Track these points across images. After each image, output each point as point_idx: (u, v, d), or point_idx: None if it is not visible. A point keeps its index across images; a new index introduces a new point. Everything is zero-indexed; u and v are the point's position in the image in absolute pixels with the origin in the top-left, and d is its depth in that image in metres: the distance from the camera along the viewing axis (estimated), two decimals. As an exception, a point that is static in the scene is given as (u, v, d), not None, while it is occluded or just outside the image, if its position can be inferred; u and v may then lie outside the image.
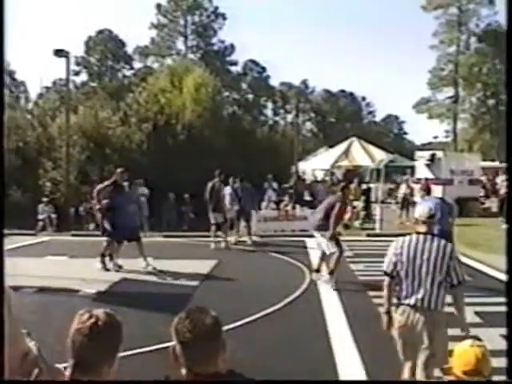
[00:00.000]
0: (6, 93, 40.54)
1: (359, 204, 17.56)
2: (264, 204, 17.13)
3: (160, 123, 19.36)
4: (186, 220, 16.45)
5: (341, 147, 28.26)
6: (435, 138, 50.77)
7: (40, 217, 15.84)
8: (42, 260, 10.75)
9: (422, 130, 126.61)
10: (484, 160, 26.92)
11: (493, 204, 21.13)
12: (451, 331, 3.90)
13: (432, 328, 3.82)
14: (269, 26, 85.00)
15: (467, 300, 4.10)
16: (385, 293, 4.04)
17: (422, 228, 4.00)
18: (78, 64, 50.03)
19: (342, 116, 60.66)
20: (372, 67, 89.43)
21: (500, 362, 2.80)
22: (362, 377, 4.79)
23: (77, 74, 49.77)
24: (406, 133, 67.20)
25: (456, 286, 3.84)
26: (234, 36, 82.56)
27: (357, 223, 16.22)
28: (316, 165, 28.41)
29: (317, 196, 16.59)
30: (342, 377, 4.81)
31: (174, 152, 17.85)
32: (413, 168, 21.34)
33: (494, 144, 42.56)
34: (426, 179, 16.47)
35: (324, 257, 8.70)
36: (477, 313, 6.55)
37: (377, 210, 16.16)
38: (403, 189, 18.41)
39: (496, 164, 28.77)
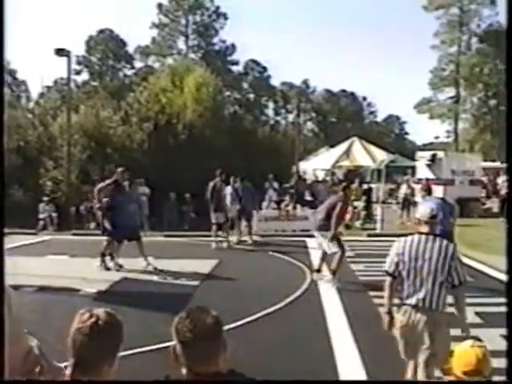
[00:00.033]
0: (7, 92, 40.56)
1: (360, 204, 17.54)
2: (265, 204, 17.12)
3: (161, 123, 19.38)
4: (186, 219, 16.46)
5: (342, 147, 28.17)
6: (436, 138, 50.93)
7: (41, 216, 15.86)
8: (43, 259, 10.75)
9: (423, 130, 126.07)
10: (485, 160, 26.93)
11: (494, 204, 21.08)
12: (452, 331, 3.90)
13: (433, 328, 3.82)
14: (270, 26, 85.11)
15: (468, 300, 4.10)
16: (386, 293, 4.03)
17: (424, 228, 3.99)
18: (79, 63, 50.07)
19: (343, 116, 60.63)
20: (373, 67, 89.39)
21: (500, 363, 2.80)
22: (363, 377, 4.79)
23: (78, 73, 49.79)
24: (407, 133, 67.32)
25: (457, 286, 3.83)
26: (235, 36, 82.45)
27: (358, 223, 16.22)
28: (317, 165, 28.34)
29: (318, 196, 16.55)
30: (343, 377, 4.80)
31: (175, 151, 17.86)
32: (414, 168, 21.33)
33: (495, 144, 42.56)
34: (427, 179, 16.50)
35: (325, 257, 8.71)
36: (477, 313, 6.54)
37: (378, 210, 16.17)
38: (404, 189, 18.38)
39: (497, 164, 28.76)
